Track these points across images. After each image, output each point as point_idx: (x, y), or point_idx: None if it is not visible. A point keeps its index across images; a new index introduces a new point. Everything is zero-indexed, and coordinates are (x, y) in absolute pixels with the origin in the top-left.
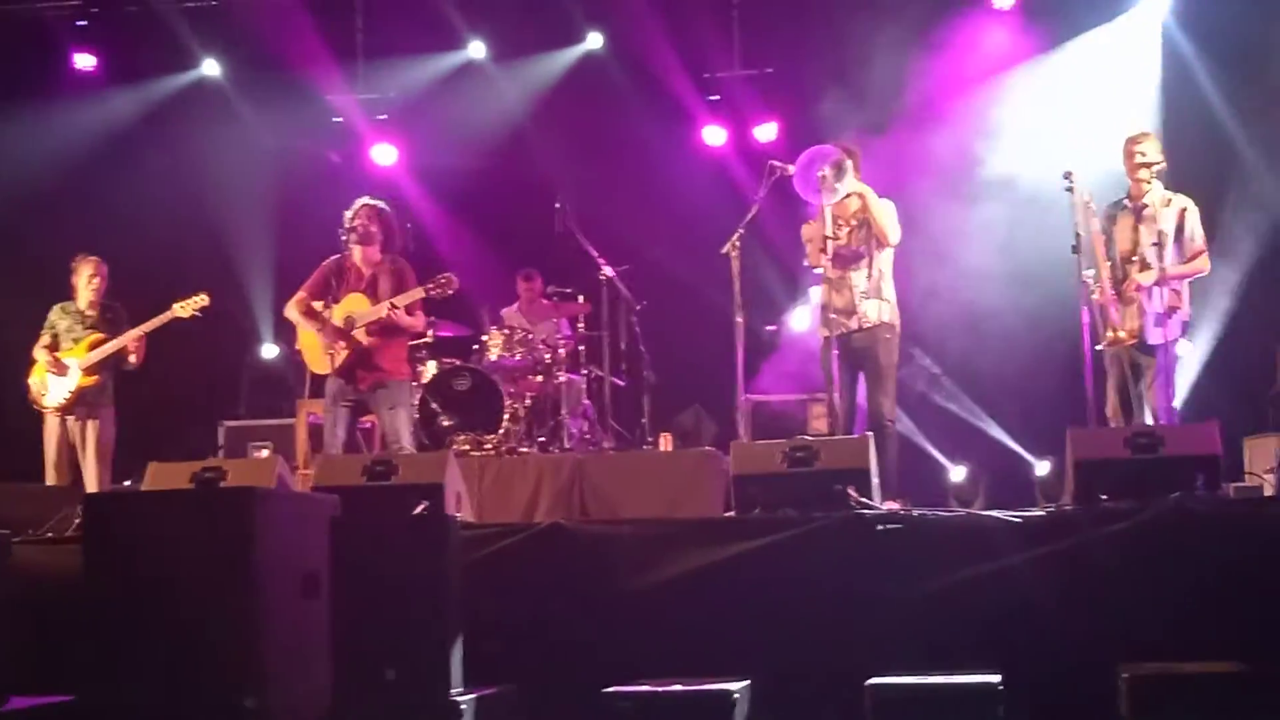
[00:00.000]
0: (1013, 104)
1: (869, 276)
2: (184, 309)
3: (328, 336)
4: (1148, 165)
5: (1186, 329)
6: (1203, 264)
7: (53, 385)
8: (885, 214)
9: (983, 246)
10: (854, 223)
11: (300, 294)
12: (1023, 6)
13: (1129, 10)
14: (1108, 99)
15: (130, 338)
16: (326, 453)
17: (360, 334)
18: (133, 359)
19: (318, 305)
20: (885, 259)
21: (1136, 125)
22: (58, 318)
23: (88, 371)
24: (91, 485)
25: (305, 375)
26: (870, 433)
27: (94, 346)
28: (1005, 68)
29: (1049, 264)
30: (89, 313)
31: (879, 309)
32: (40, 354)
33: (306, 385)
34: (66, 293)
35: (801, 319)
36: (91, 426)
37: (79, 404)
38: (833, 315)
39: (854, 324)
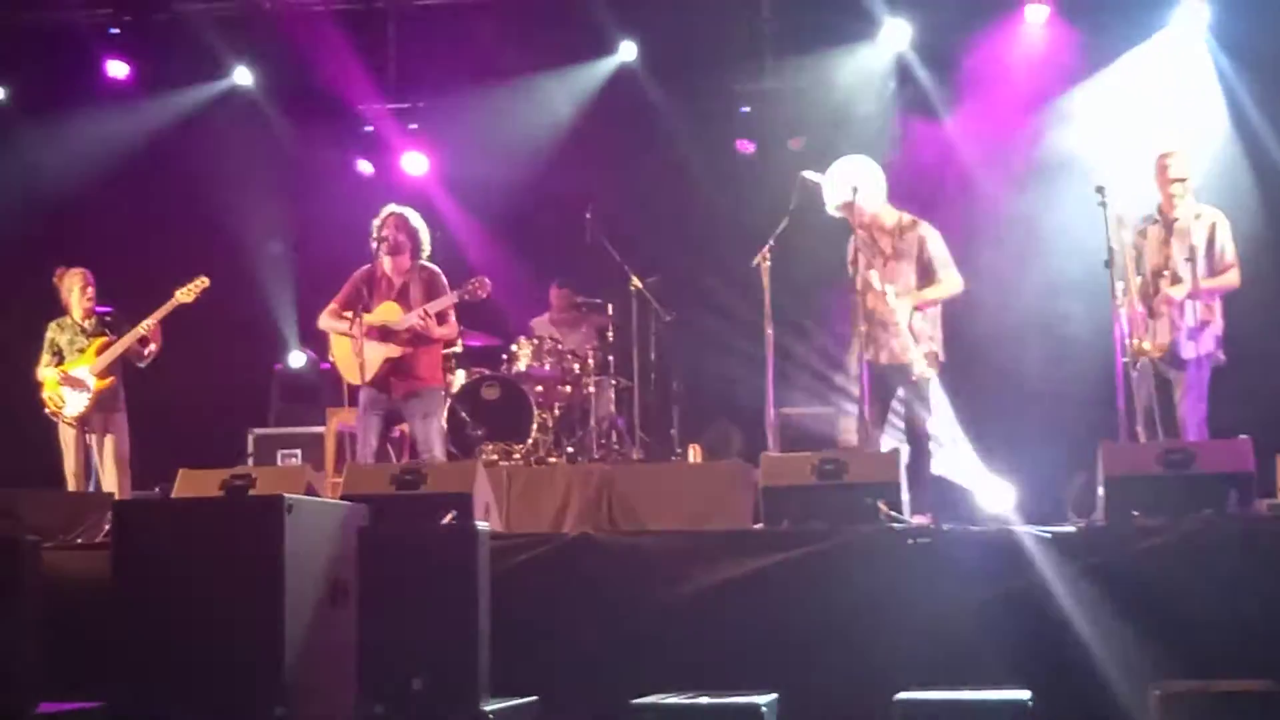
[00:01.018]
0: (1048, 118)
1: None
2: (186, 294)
3: (362, 335)
4: (1179, 180)
5: (1220, 343)
6: (1233, 278)
7: (70, 397)
8: (947, 263)
9: (1015, 259)
10: (889, 251)
11: (332, 305)
12: (1058, 20)
13: (1167, 25)
14: (1144, 113)
15: (140, 331)
16: (356, 461)
17: (395, 342)
18: (152, 348)
19: (349, 315)
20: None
21: (1169, 140)
22: (56, 334)
23: (101, 375)
24: (114, 490)
25: (342, 385)
26: (899, 447)
27: (102, 350)
28: (1038, 81)
29: (1082, 277)
30: (86, 322)
31: (911, 349)
32: (48, 372)
33: (345, 395)
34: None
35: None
36: (110, 433)
37: (96, 410)
38: (866, 344)
39: (884, 357)
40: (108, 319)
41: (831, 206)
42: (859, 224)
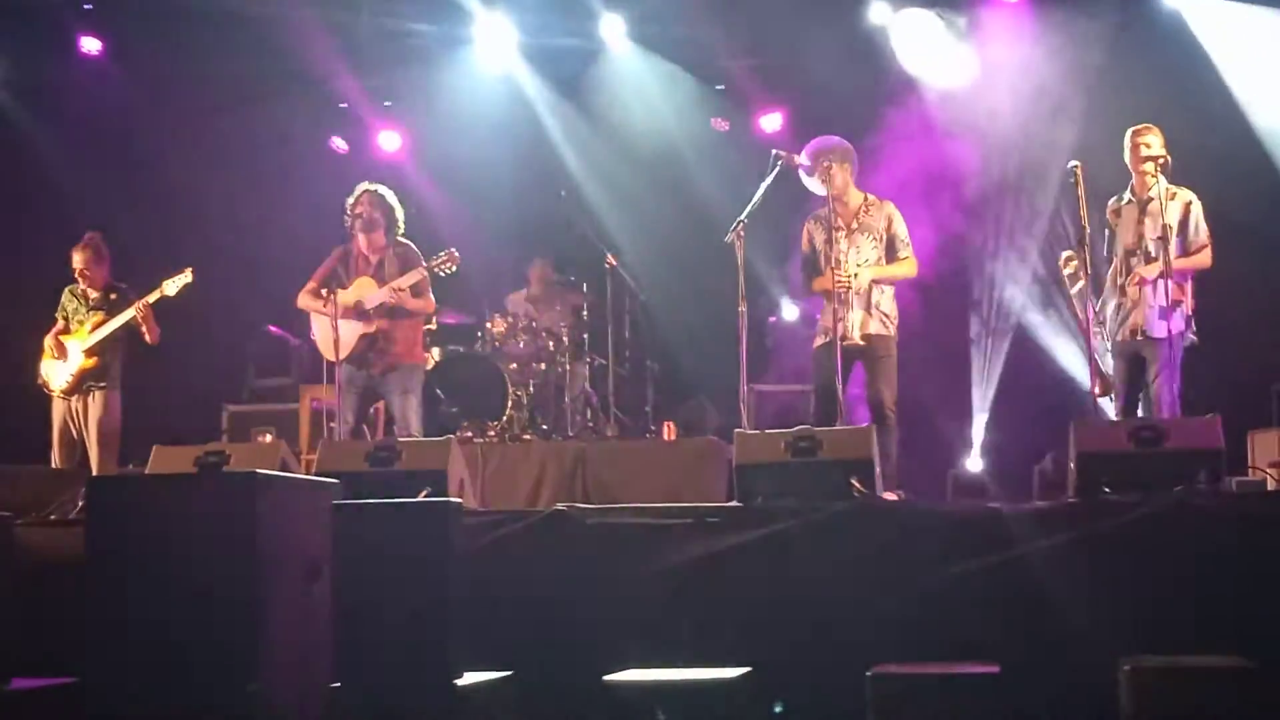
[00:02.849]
0: (1021, 94)
1: (866, 292)
2: (171, 286)
3: (338, 316)
4: (1152, 159)
5: (1190, 322)
6: (1205, 258)
7: (57, 368)
8: (908, 244)
9: (987, 238)
10: (854, 225)
11: (310, 284)
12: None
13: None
14: (1117, 89)
15: (127, 317)
16: (331, 438)
17: (371, 318)
18: (144, 331)
19: (325, 292)
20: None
21: (1142, 117)
22: (67, 300)
23: (88, 353)
24: (93, 466)
25: (319, 362)
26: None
27: (96, 328)
28: (1014, 57)
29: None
30: (93, 294)
31: (872, 322)
32: (47, 341)
33: (323, 372)
34: (72, 276)
35: (794, 310)
36: (93, 408)
37: (79, 385)
38: (826, 322)
39: (842, 330)
40: (113, 296)
41: (808, 179)
42: (832, 194)
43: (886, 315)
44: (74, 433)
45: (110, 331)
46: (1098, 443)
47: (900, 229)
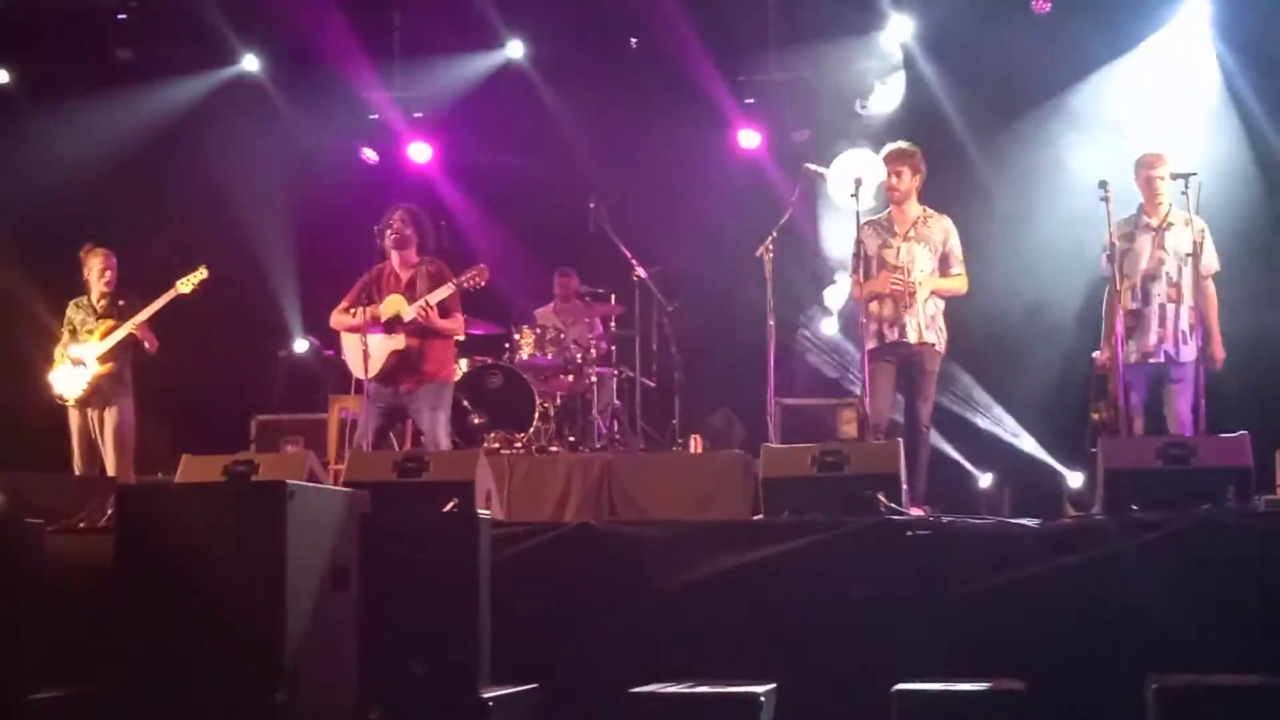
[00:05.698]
0: (1045, 115)
1: (921, 304)
2: (186, 284)
3: (370, 324)
4: (1164, 181)
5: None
6: (1210, 289)
7: (72, 378)
8: (962, 261)
9: (1014, 255)
10: (912, 235)
11: (341, 304)
12: (1061, 14)
13: (1170, 23)
14: (1139, 113)
15: (137, 322)
16: (358, 448)
17: (401, 336)
18: (146, 345)
19: (353, 312)
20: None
21: (1155, 144)
22: (73, 313)
23: (103, 360)
24: (111, 474)
25: (347, 374)
26: (901, 439)
27: (106, 335)
28: (1042, 79)
29: (1083, 273)
30: (100, 304)
31: (924, 330)
32: (57, 352)
33: (351, 385)
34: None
35: (832, 324)
36: (109, 416)
37: (96, 394)
38: (876, 326)
39: (895, 334)
40: (120, 303)
41: (836, 193)
42: (892, 216)
43: (942, 330)
44: (93, 442)
45: (124, 336)
46: (1126, 460)
47: (956, 245)
